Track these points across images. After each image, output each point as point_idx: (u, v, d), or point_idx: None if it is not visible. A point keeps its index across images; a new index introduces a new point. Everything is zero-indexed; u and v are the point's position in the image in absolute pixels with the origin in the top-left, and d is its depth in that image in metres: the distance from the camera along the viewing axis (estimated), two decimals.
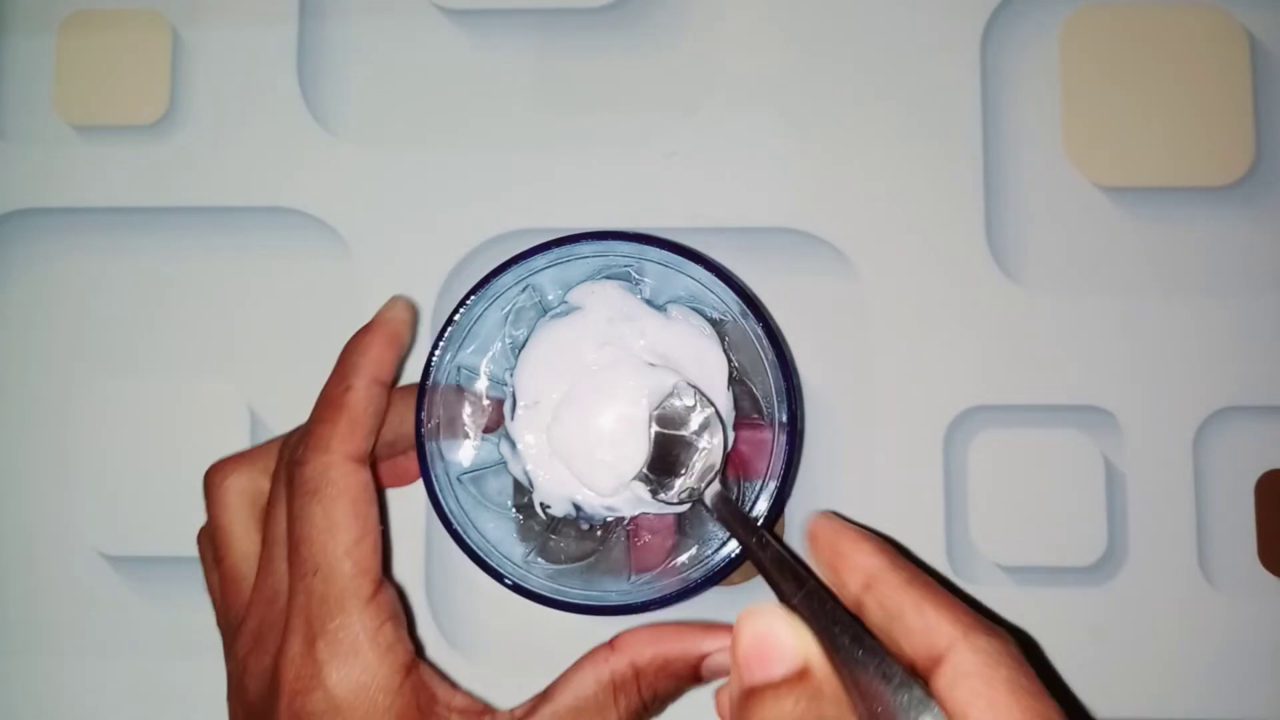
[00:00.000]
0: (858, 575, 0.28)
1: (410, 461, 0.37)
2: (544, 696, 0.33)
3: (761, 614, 0.26)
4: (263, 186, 0.43)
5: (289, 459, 0.34)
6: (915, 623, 0.27)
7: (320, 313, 0.42)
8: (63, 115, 0.44)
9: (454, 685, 0.34)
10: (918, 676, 0.27)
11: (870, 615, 0.28)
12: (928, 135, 0.43)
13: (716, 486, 0.35)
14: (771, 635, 0.26)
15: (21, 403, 0.43)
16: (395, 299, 0.37)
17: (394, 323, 0.36)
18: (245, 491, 0.35)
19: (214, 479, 0.36)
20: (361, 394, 0.34)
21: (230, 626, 0.35)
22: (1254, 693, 0.40)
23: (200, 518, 0.42)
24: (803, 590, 0.30)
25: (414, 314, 0.37)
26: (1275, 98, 0.42)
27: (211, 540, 0.36)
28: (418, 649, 0.34)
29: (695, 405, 0.37)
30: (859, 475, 0.41)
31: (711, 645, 0.33)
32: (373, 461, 0.36)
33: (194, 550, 0.41)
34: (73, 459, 0.42)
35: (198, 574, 0.41)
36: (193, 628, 0.41)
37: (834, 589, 0.29)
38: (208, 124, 0.44)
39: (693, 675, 0.33)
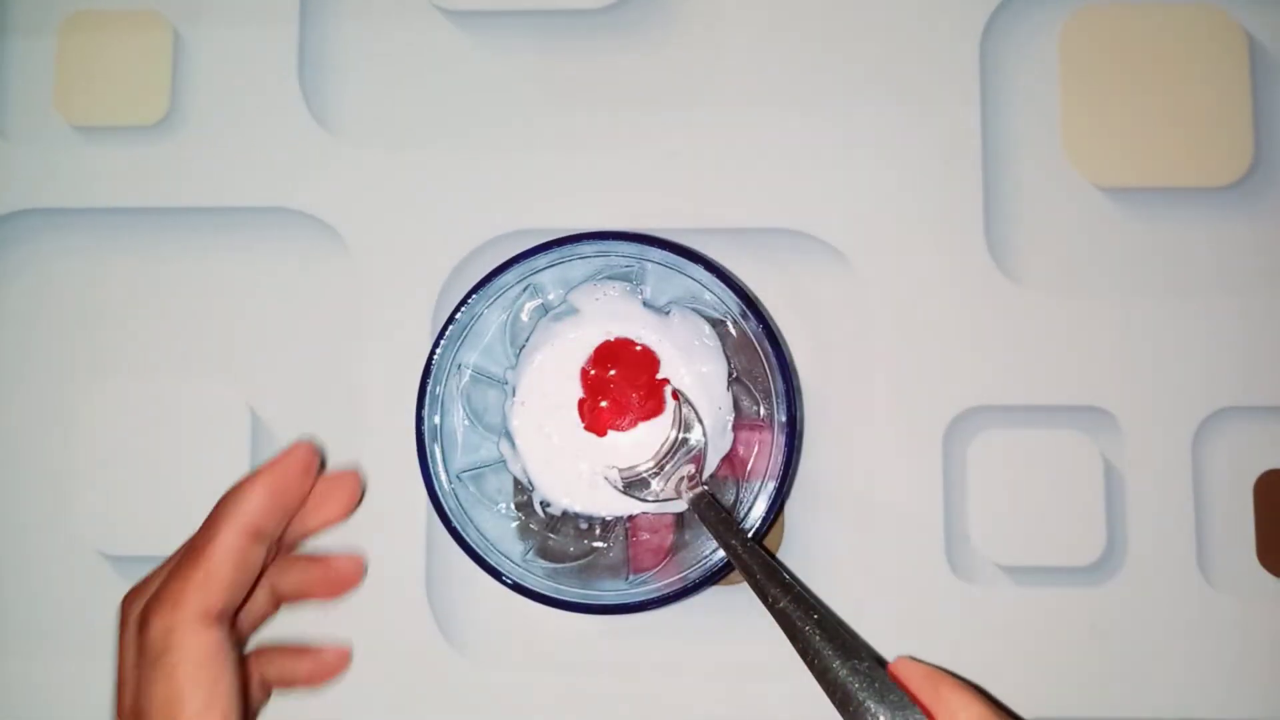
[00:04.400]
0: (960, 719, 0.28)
1: (335, 568, 0.36)
2: None
3: None
4: (263, 187, 0.43)
5: (138, 619, 0.31)
6: None
7: (320, 313, 0.42)
8: (64, 115, 0.44)
9: None
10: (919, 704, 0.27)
11: None
12: (927, 135, 0.43)
13: (700, 488, 0.35)
14: None
15: (22, 402, 0.43)
16: (298, 444, 0.34)
17: (286, 472, 0.33)
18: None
19: (123, 607, 0.33)
20: (227, 544, 0.31)
21: None
22: (1253, 692, 0.40)
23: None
24: (788, 596, 0.30)
25: (315, 461, 0.35)
26: (1274, 98, 0.43)
27: (115, 668, 0.32)
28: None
29: (677, 406, 0.37)
30: (859, 475, 0.41)
31: None
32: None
33: None
34: (74, 459, 0.42)
35: None
36: None
37: None
38: (208, 124, 0.44)
39: None
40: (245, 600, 0.33)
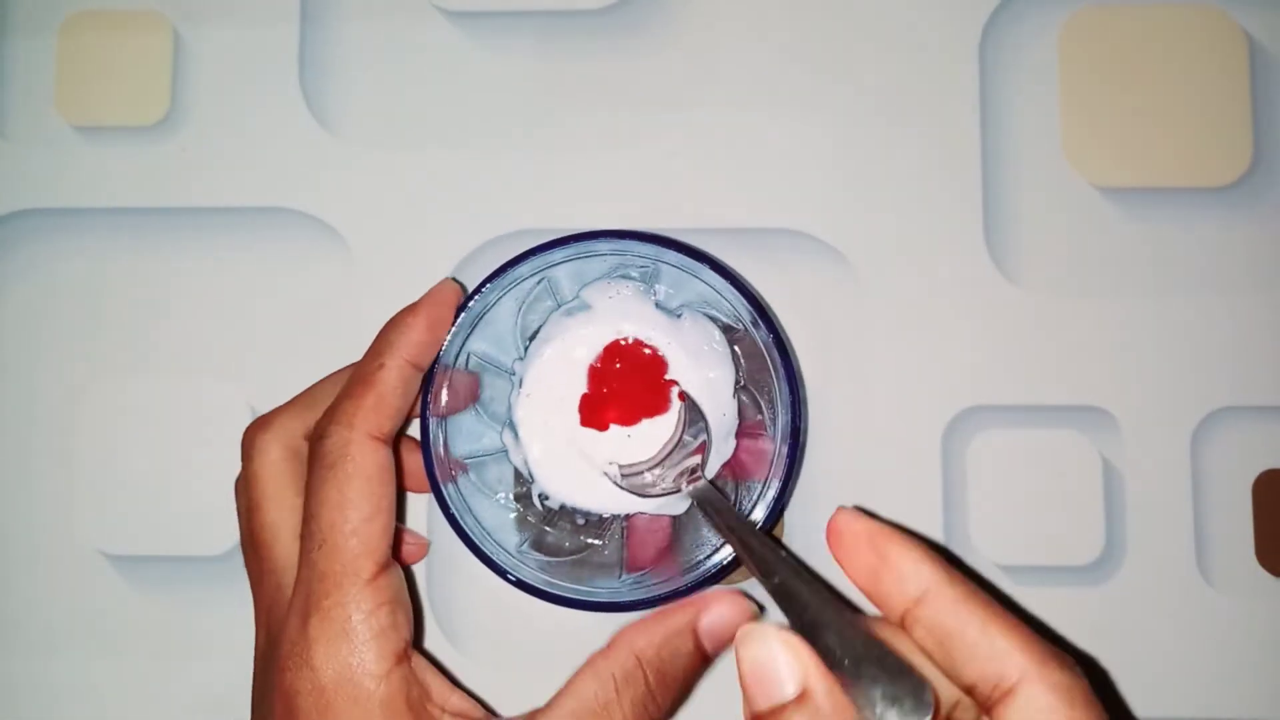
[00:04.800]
0: (908, 586, 0.26)
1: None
2: (545, 707, 0.33)
3: (757, 637, 0.25)
4: (263, 187, 0.43)
5: (314, 433, 0.34)
6: (981, 647, 0.25)
7: (320, 313, 0.43)
8: (64, 116, 0.44)
9: (454, 684, 0.34)
10: (975, 699, 0.25)
11: (920, 631, 0.26)
12: (927, 135, 0.43)
13: (701, 480, 0.35)
14: (769, 659, 0.25)
15: (23, 402, 0.43)
16: (445, 281, 0.36)
17: (439, 306, 0.35)
18: (285, 446, 0.35)
19: (252, 436, 0.35)
20: (393, 374, 0.34)
21: (254, 590, 0.35)
22: (1252, 692, 0.40)
23: (201, 517, 0.42)
24: (789, 571, 0.28)
25: (460, 298, 0.36)
26: (1273, 98, 0.43)
27: (245, 495, 0.35)
28: (420, 644, 0.34)
29: (683, 408, 0.37)
30: (859, 475, 0.41)
31: (704, 613, 0.32)
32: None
33: (195, 550, 0.42)
34: (74, 458, 0.42)
35: (198, 574, 0.41)
36: (193, 628, 0.41)
37: (875, 600, 0.27)
38: (209, 125, 0.44)
39: (695, 648, 0.32)
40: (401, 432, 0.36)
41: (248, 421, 0.42)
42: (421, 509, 0.41)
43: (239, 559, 0.41)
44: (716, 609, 0.32)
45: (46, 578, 0.42)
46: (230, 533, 0.41)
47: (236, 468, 0.42)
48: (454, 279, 0.36)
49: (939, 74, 0.43)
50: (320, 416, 0.34)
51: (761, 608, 0.40)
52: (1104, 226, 0.42)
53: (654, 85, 0.43)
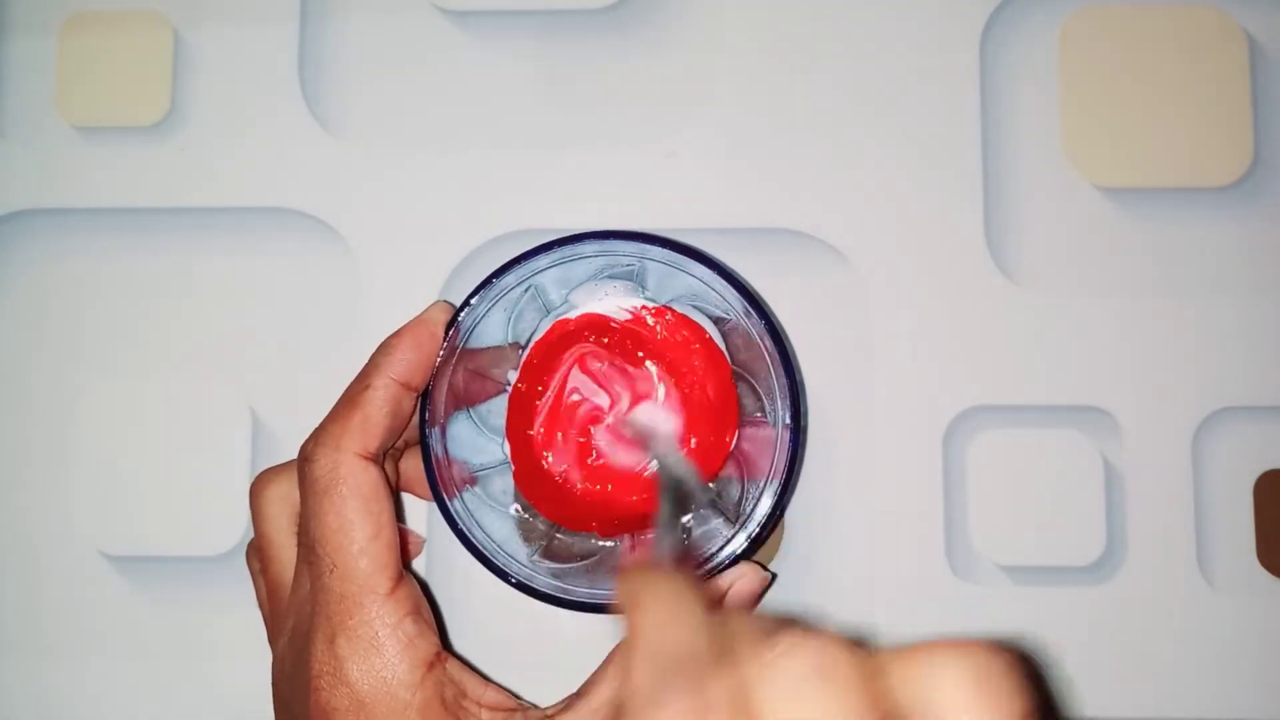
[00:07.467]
0: None
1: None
2: (580, 694, 0.33)
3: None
4: (263, 187, 0.43)
5: (300, 456, 0.34)
6: None
7: (320, 313, 0.42)
8: (64, 116, 0.44)
9: (486, 680, 0.34)
10: None
11: None
12: (927, 135, 0.43)
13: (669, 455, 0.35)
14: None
15: (22, 403, 0.43)
16: (436, 303, 0.36)
17: (428, 325, 0.35)
18: (286, 499, 0.35)
19: (255, 489, 0.36)
20: (379, 393, 0.34)
21: (274, 633, 0.35)
22: (1253, 693, 0.40)
23: (201, 517, 0.42)
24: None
25: (449, 314, 0.36)
26: (1274, 98, 0.43)
27: (257, 552, 0.36)
28: (446, 645, 0.34)
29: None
30: (859, 475, 0.41)
31: (729, 581, 0.34)
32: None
33: (194, 550, 0.41)
34: (73, 459, 0.42)
35: (198, 574, 0.41)
36: (193, 628, 0.41)
37: None
38: (209, 125, 0.44)
39: None
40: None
41: (248, 421, 0.42)
42: (420, 511, 0.41)
43: (239, 559, 0.41)
44: (739, 583, 0.35)
45: (46, 578, 0.42)
46: (230, 533, 0.41)
47: (236, 468, 0.42)
48: (445, 301, 0.36)
49: (939, 74, 0.43)
50: (305, 440, 0.34)
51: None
52: (1104, 226, 0.42)
53: (654, 85, 0.43)
